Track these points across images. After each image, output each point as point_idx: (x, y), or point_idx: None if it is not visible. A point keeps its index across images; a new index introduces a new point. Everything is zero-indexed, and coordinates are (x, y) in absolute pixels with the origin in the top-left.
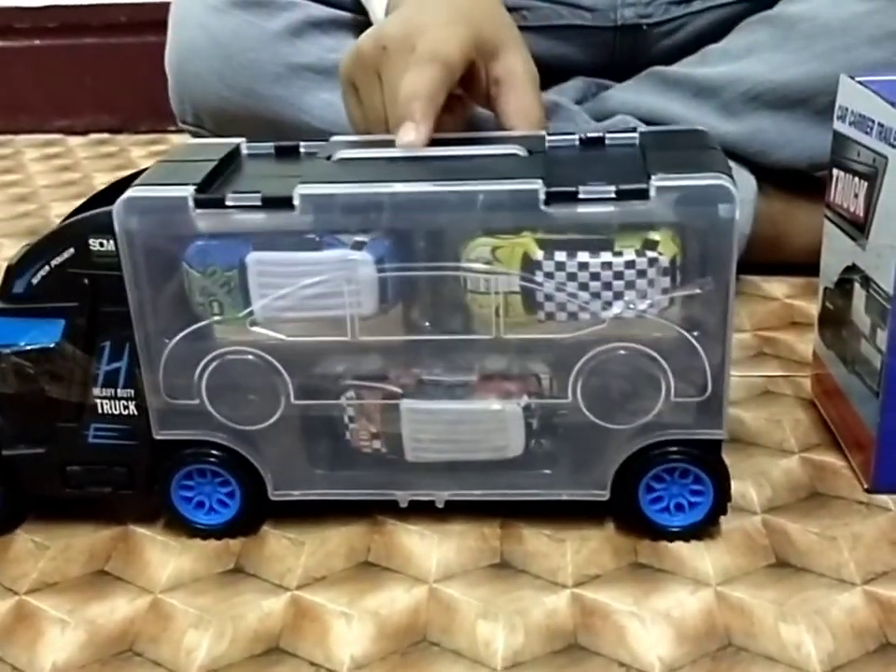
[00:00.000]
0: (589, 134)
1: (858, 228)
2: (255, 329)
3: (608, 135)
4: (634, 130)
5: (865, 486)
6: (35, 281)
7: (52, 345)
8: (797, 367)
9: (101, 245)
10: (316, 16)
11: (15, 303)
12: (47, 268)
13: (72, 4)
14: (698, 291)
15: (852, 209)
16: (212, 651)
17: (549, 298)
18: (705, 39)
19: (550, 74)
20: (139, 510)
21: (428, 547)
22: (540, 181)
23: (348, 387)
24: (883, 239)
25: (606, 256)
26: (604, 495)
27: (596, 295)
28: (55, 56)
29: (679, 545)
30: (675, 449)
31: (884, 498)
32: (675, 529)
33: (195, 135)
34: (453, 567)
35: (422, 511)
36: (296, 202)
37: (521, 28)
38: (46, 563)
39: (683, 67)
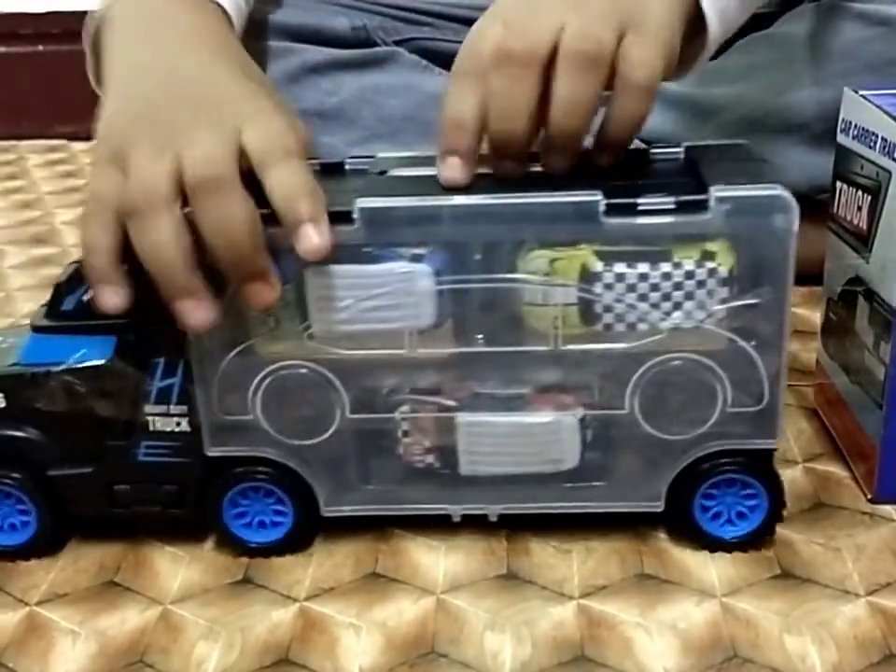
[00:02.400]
0: (634, 147)
1: (861, 240)
2: (312, 343)
3: (652, 149)
4: (678, 144)
5: (869, 497)
6: (85, 298)
7: (104, 363)
8: (800, 376)
9: None
10: (313, 60)
11: (64, 321)
12: None
13: (75, 10)
14: (757, 301)
15: (856, 222)
16: (222, 662)
17: (607, 309)
18: None
19: None
20: (187, 529)
21: (436, 558)
22: (600, 193)
23: (403, 401)
24: (886, 252)
25: (665, 266)
26: (658, 506)
27: (656, 306)
28: (59, 61)
29: (684, 556)
30: (730, 460)
31: (887, 509)
32: (731, 541)
33: None
34: (460, 578)
35: (429, 523)
36: (355, 215)
37: None
38: (56, 574)
39: (683, 85)
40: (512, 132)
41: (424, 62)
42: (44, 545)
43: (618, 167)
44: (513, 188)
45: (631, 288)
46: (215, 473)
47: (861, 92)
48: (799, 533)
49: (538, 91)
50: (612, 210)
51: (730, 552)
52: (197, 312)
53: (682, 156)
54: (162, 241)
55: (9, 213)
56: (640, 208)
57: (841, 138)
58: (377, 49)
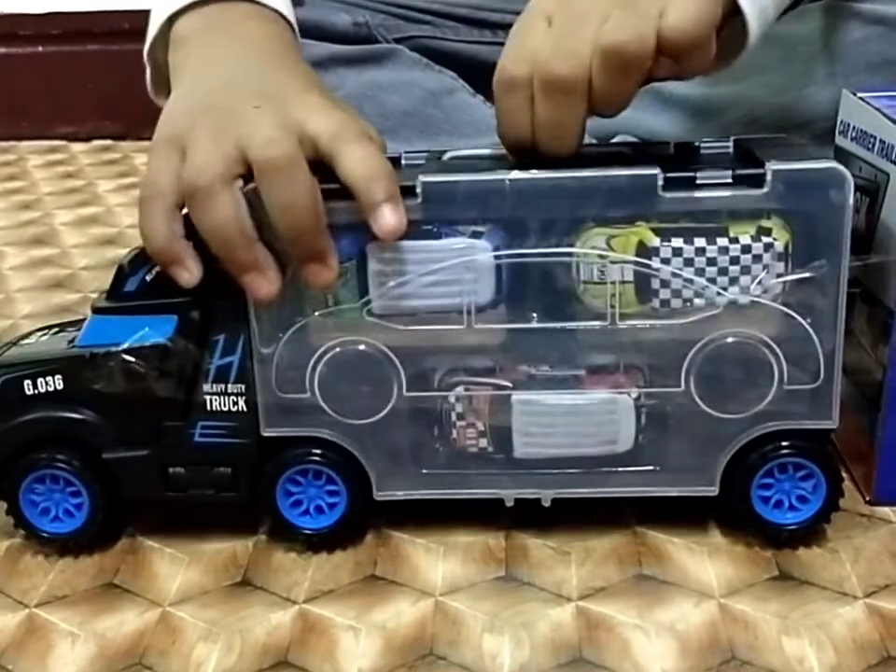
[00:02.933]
0: (682, 142)
1: (860, 242)
2: (370, 319)
3: (702, 143)
4: (727, 138)
5: (867, 499)
6: (149, 278)
7: (165, 342)
8: None
9: None
10: (316, 55)
11: (127, 302)
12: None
13: (75, 11)
14: (812, 276)
15: (854, 224)
16: (221, 664)
17: (664, 285)
18: None
19: None
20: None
21: (434, 560)
22: (658, 168)
23: (458, 382)
24: (884, 254)
25: (722, 241)
26: (713, 490)
27: (712, 280)
28: (58, 62)
29: (682, 556)
30: (788, 443)
31: (885, 511)
32: (790, 527)
33: None
34: (458, 581)
35: (427, 524)
36: (418, 189)
37: None
38: (55, 575)
39: (684, 85)
40: (564, 152)
41: (425, 59)
42: (96, 532)
43: (672, 155)
44: (572, 164)
45: (688, 263)
46: (269, 456)
47: (859, 94)
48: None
49: (584, 110)
50: (671, 184)
51: (786, 539)
52: (262, 284)
53: (731, 147)
54: (222, 219)
55: (9, 214)
56: (699, 181)
57: (839, 140)
58: (378, 45)
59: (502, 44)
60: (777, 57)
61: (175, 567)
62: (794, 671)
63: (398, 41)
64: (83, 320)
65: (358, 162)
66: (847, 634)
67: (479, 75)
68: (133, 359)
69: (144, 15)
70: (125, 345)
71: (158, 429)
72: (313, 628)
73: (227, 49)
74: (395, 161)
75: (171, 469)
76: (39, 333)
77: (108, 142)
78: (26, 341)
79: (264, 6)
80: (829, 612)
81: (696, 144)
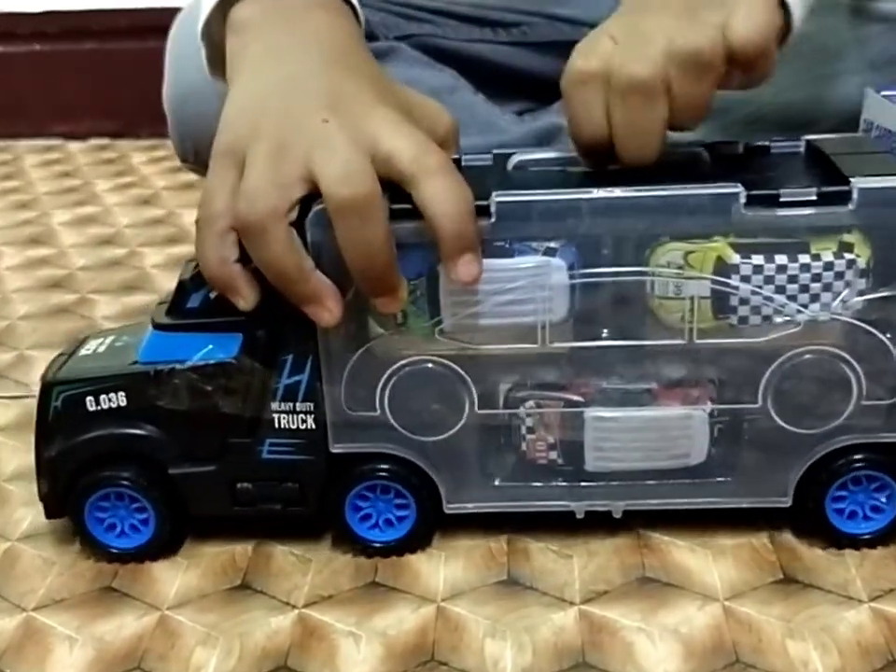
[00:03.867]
0: (752, 143)
1: None
2: (441, 338)
3: (772, 143)
4: (797, 137)
5: None
6: (213, 295)
7: (231, 360)
8: None
9: None
10: None
11: (189, 318)
12: None
13: (72, 9)
14: (894, 293)
15: None
16: (220, 668)
17: (743, 302)
18: None
19: (552, 89)
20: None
21: (436, 565)
22: (740, 184)
23: (529, 397)
24: None
25: (804, 258)
26: (786, 501)
27: (793, 298)
28: (55, 61)
29: (686, 559)
30: (862, 455)
31: None
32: (865, 537)
33: (196, 172)
34: (460, 585)
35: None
36: (492, 209)
37: (520, 45)
38: (53, 579)
39: None
40: (646, 158)
41: (426, 57)
42: (161, 547)
43: (748, 160)
44: (649, 180)
45: (769, 280)
46: (338, 471)
47: (883, 93)
48: (802, 538)
49: (665, 115)
50: (753, 201)
51: (859, 549)
52: (323, 314)
53: (803, 149)
54: (274, 255)
55: (5, 213)
56: (782, 199)
57: None
58: (379, 43)
59: (503, 42)
60: (781, 56)
61: (173, 570)
62: None
63: (398, 39)
64: (134, 326)
65: (442, 199)
66: (851, 637)
67: (480, 73)
68: (198, 377)
69: (141, 13)
70: (190, 363)
71: (224, 446)
72: (313, 633)
73: (289, 42)
74: (456, 163)
75: (238, 485)
76: (95, 342)
77: (106, 140)
78: (82, 351)
79: None
80: (833, 616)
81: (767, 144)
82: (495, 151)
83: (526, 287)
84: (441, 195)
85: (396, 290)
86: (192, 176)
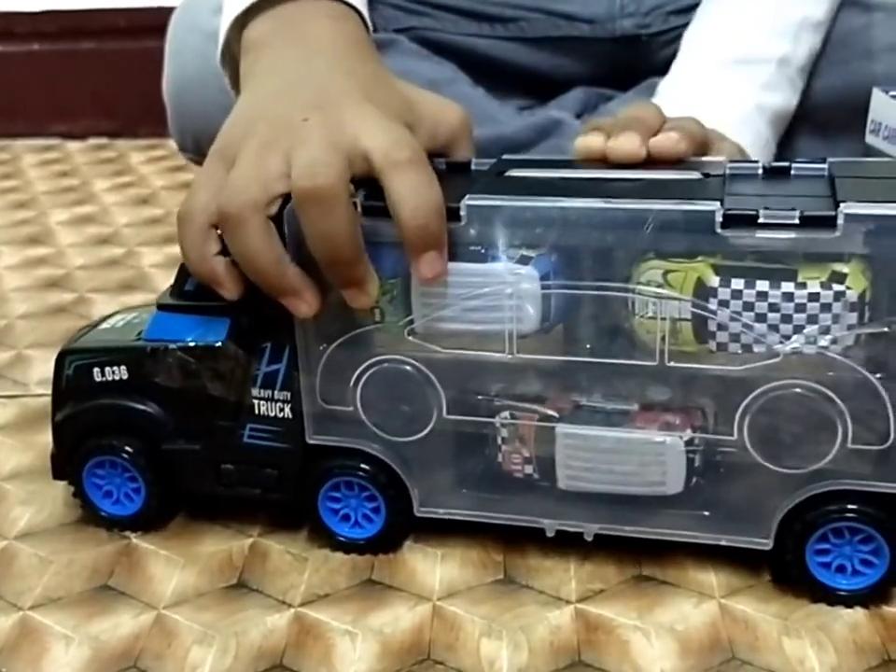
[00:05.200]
0: (773, 164)
1: None
2: (412, 339)
3: (794, 164)
4: (823, 160)
5: None
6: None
7: (217, 344)
8: None
9: None
10: None
11: (186, 301)
12: None
13: (71, 8)
14: (886, 330)
15: None
16: (216, 667)
17: (721, 327)
18: None
19: (549, 85)
20: (284, 514)
21: (432, 564)
22: (718, 203)
23: (503, 407)
24: None
25: (788, 286)
26: (767, 544)
27: (774, 328)
28: (54, 60)
29: (682, 557)
30: (848, 506)
31: None
32: (843, 593)
33: (197, 164)
34: (456, 584)
35: (425, 529)
36: (462, 212)
37: (518, 40)
38: (49, 577)
39: None
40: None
41: (424, 50)
42: (150, 519)
43: (751, 181)
44: (630, 194)
45: (748, 307)
46: (314, 463)
47: (891, 93)
48: None
49: None
50: (730, 221)
51: (845, 605)
52: (300, 306)
53: (826, 172)
54: (251, 248)
55: (4, 213)
56: (761, 221)
57: (871, 139)
58: (378, 35)
59: (501, 37)
60: None
61: (170, 569)
62: (795, 671)
63: (397, 32)
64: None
65: (408, 194)
66: (847, 636)
67: (478, 68)
68: (188, 357)
69: (139, 13)
70: (181, 343)
71: (211, 427)
72: (309, 632)
73: (293, 54)
74: (465, 167)
75: (222, 466)
76: (118, 318)
77: (104, 140)
78: (104, 325)
79: (337, 0)
80: (830, 614)
81: (789, 164)
82: (505, 157)
83: (495, 293)
84: (408, 189)
85: (363, 283)
86: (191, 176)
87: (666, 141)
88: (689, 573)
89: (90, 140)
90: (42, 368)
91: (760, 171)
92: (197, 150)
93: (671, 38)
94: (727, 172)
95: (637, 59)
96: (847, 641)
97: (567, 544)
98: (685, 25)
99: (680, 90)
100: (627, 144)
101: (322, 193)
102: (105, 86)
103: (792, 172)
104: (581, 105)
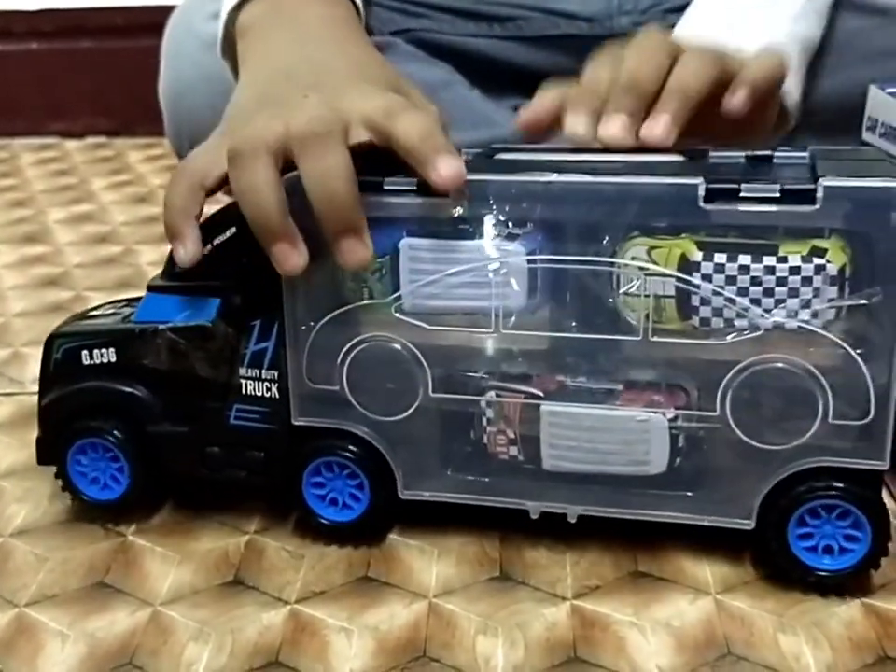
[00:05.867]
0: (756, 152)
1: None
2: (400, 315)
3: (776, 154)
4: (805, 148)
5: None
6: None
7: (207, 324)
8: None
9: None
10: None
11: (176, 281)
12: (209, 247)
13: (69, 7)
14: (865, 303)
15: None
16: (212, 664)
17: (705, 302)
18: None
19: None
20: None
21: (428, 561)
22: (701, 178)
23: (489, 387)
24: None
25: (769, 260)
26: (749, 524)
27: (756, 301)
28: (52, 59)
29: (678, 553)
30: (829, 483)
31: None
32: (824, 573)
33: None
34: (452, 582)
35: (421, 526)
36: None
37: (516, 39)
38: (45, 575)
39: None
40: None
41: (421, 52)
42: (134, 502)
43: (734, 165)
44: (615, 172)
45: (731, 281)
46: (299, 444)
47: (887, 90)
48: None
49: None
50: (713, 195)
51: (824, 586)
52: (291, 255)
53: (807, 161)
54: (259, 182)
55: (1, 211)
56: (742, 195)
57: (867, 136)
58: (375, 38)
59: (498, 37)
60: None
61: (165, 566)
62: (790, 668)
63: (394, 34)
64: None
65: (413, 125)
66: (843, 632)
67: (475, 68)
68: (176, 338)
69: (137, 11)
70: (170, 324)
71: (198, 409)
72: (304, 629)
73: (285, 39)
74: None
75: (208, 449)
76: (108, 306)
77: (102, 139)
78: (94, 313)
79: None
80: (825, 611)
81: (770, 153)
82: (494, 146)
83: (482, 270)
84: (413, 124)
85: (359, 230)
86: None
87: (657, 130)
88: (685, 569)
89: (88, 139)
90: (38, 366)
91: (742, 159)
92: None
93: None
94: (711, 160)
95: None
96: (843, 638)
97: (563, 541)
98: None
99: (704, 20)
100: (613, 129)
101: (318, 131)
102: (103, 85)
103: (774, 160)
104: None
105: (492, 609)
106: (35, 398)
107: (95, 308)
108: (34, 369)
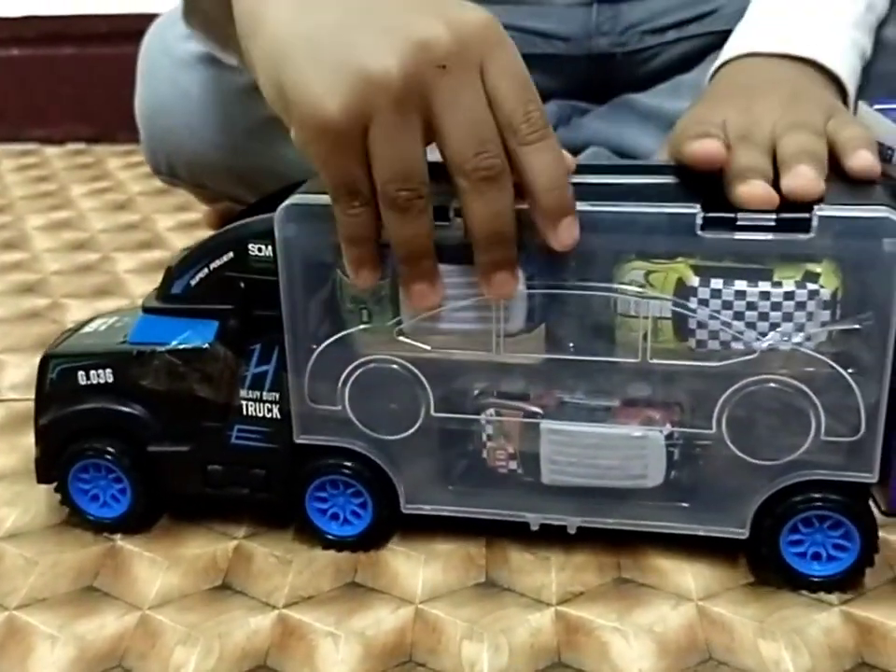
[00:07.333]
0: None
1: None
2: (401, 339)
3: None
4: None
5: (883, 508)
6: (193, 283)
7: (205, 346)
8: None
9: (259, 250)
10: None
11: (173, 304)
12: (206, 270)
13: (51, 14)
14: (857, 327)
15: None
16: (200, 667)
17: (701, 325)
18: (678, 68)
19: None
20: (271, 514)
21: (415, 567)
22: (698, 206)
23: (489, 405)
24: None
25: (764, 285)
26: (742, 533)
27: (752, 325)
28: (33, 66)
29: (661, 560)
30: (820, 495)
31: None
32: (816, 579)
33: (170, 185)
34: (439, 587)
35: (408, 532)
36: (451, 213)
37: None
38: (35, 578)
39: (656, 97)
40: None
41: None
42: (136, 521)
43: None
44: (612, 197)
45: (727, 305)
46: (302, 463)
47: (876, 107)
48: None
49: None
50: (710, 224)
51: (814, 591)
52: (430, 295)
53: None
54: (421, 229)
55: None
56: (739, 223)
57: None
58: None
59: None
60: None
61: (154, 570)
62: None
63: None
64: (138, 309)
65: (545, 167)
66: (822, 639)
67: None
68: (175, 360)
69: (119, 19)
70: (168, 346)
71: (198, 428)
72: (292, 633)
73: None
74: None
75: (209, 467)
76: (100, 321)
77: (82, 146)
78: (86, 329)
79: None
80: (805, 618)
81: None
82: None
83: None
84: (545, 165)
85: (514, 265)
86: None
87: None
88: (668, 576)
89: (68, 145)
90: (15, 372)
91: None
92: (171, 172)
93: (646, 57)
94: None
95: (611, 76)
96: (822, 645)
97: (549, 548)
98: (660, 45)
99: (769, 22)
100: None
101: (495, 173)
102: (83, 91)
103: None
104: (554, 118)
105: (477, 614)
106: (21, 404)
107: (86, 323)
108: (10, 375)
